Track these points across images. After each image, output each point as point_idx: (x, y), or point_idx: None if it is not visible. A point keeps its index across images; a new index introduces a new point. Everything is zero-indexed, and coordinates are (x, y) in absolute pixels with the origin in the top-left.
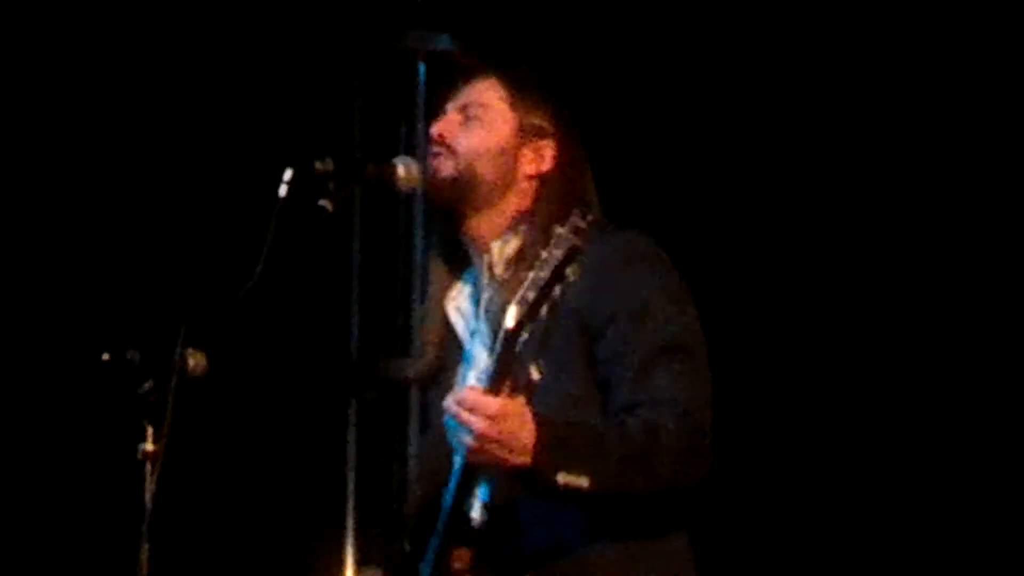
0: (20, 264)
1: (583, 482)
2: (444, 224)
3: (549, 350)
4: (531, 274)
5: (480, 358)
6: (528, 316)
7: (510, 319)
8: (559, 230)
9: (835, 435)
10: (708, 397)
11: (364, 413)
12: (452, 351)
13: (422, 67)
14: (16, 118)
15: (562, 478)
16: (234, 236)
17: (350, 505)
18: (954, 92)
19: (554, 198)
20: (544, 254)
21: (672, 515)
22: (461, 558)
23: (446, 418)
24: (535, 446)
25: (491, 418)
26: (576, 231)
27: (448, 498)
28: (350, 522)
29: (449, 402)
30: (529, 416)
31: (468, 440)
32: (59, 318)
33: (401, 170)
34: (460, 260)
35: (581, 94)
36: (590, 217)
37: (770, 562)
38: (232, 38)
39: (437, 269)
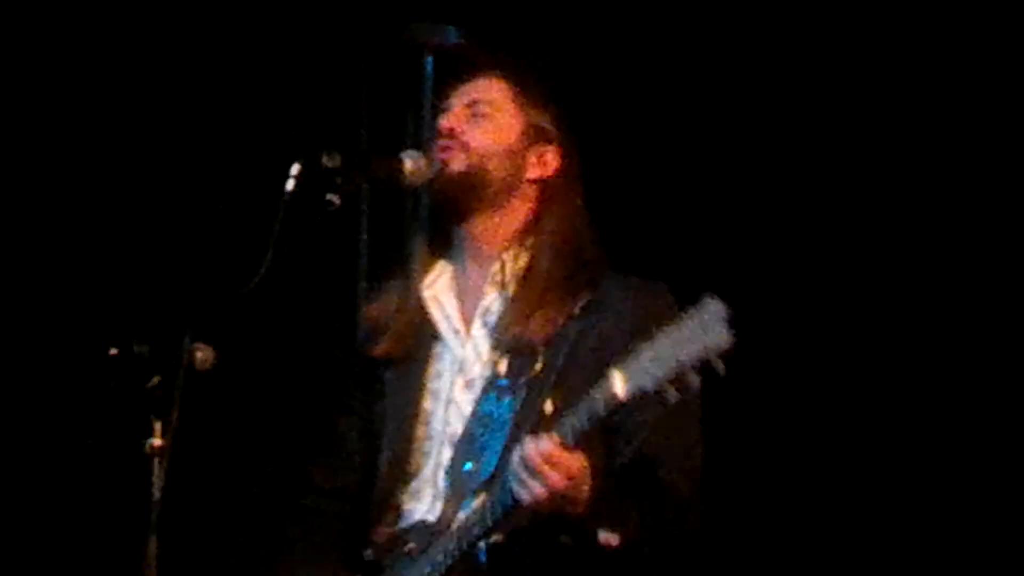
0: (27, 258)
1: (614, 540)
2: (431, 210)
3: (565, 387)
4: (649, 348)
5: (471, 367)
6: (645, 396)
7: (620, 389)
8: (705, 319)
9: (835, 438)
10: (701, 462)
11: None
12: (423, 338)
13: (429, 61)
14: (20, 111)
15: (601, 535)
16: (241, 230)
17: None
18: (954, 92)
19: (557, 208)
20: (673, 333)
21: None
22: None
23: (516, 461)
24: (589, 503)
25: (571, 477)
26: (725, 326)
27: (465, 528)
28: None
29: (531, 452)
30: (590, 473)
31: (540, 492)
32: (66, 312)
33: (408, 164)
34: (437, 245)
35: (582, 95)
36: (727, 313)
37: (768, 564)
38: (239, 32)
39: (416, 254)
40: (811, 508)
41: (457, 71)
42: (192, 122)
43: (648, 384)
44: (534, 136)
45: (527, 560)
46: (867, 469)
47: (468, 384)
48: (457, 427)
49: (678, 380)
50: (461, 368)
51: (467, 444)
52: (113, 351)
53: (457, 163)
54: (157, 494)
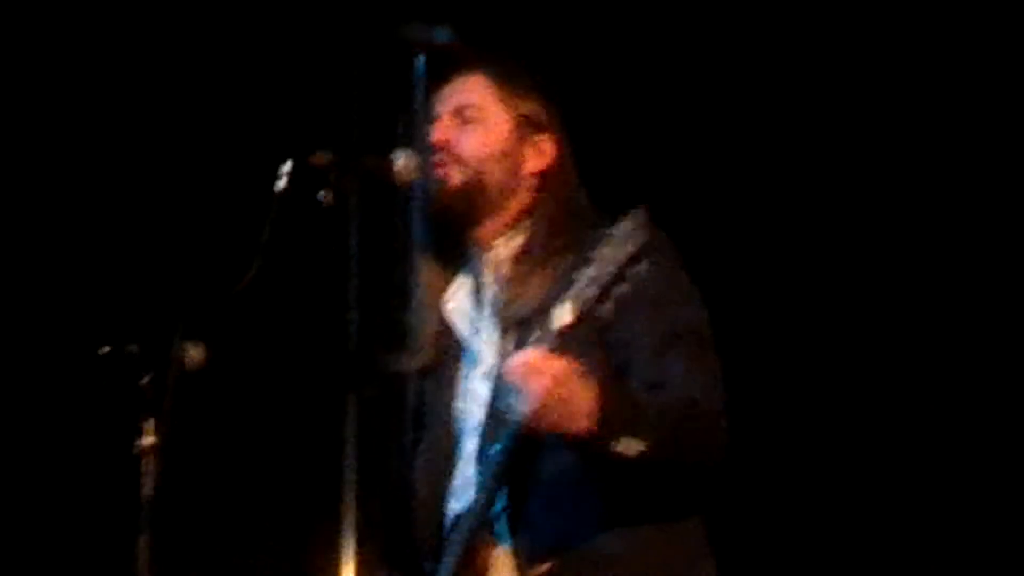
0: (19, 257)
1: (632, 450)
2: (437, 224)
3: (564, 343)
4: (587, 271)
5: (485, 356)
6: (589, 312)
7: (566, 315)
8: (625, 226)
9: (836, 434)
10: (719, 380)
11: (363, 407)
12: (450, 349)
13: (420, 59)
14: (16, 112)
15: (619, 444)
16: (232, 229)
17: (348, 500)
18: (954, 92)
19: (556, 193)
20: (603, 252)
21: (684, 503)
22: (488, 549)
23: (505, 383)
24: (598, 411)
25: (557, 380)
26: (643, 227)
27: (480, 486)
28: (348, 517)
29: (512, 363)
30: (590, 381)
31: (531, 402)
32: (58, 311)
33: (399, 163)
34: (453, 258)
35: (577, 85)
36: (644, 215)
37: (771, 560)
38: (230, 31)
39: (428, 268)
40: (810, 506)
41: (441, 72)
42: (183, 121)
43: (585, 307)
44: (526, 128)
45: (534, 511)
46: (866, 467)
47: (485, 373)
48: (478, 416)
49: (605, 295)
50: (476, 360)
51: (489, 428)
52: (104, 349)
53: (455, 177)
54: (148, 493)
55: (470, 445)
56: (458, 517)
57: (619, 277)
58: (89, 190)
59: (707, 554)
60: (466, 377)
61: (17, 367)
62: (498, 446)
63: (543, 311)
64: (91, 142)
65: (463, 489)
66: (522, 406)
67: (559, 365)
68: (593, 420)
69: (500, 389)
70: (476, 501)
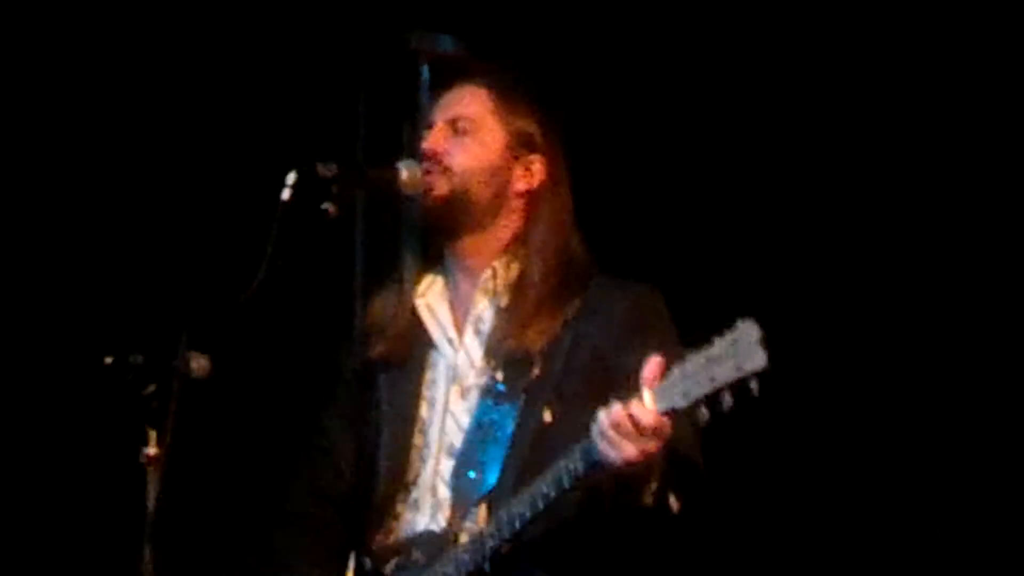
0: (22, 267)
1: (676, 505)
2: (421, 227)
3: (565, 394)
4: (680, 372)
5: (464, 375)
6: (681, 411)
7: (651, 404)
8: (736, 337)
9: (833, 439)
10: None
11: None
12: (418, 345)
13: (425, 70)
14: (18, 120)
15: (671, 498)
16: (237, 239)
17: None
18: (954, 92)
19: (546, 218)
20: (710, 352)
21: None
22: None
23: (605, 424)
24: (661, 467)
25: (662, 440)
26: (760, 347)
27: (495, 533)
28: None
29: (622, 417)
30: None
31: (632, 453)
32: (62, 321)
33: (404, 174)
34: (429, 257)
35: (574, 99)
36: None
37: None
38: (235, 42)
39: (410, 260)
40: (810, 508)
41: (444, 77)
42: (188, 131)
43: (680, 402)
44: (518, 147)
45: (532, 569)
46: (865, 469)
47: (464, 392)
48: (455, 437)
49: (711, 400)
50: (455, 376)
51: (468, 453)
52: (108, 360)
53: (440, 187)
54: (152, 503)
55: (442, 463)
56: (429, 535)
57: (729, 389)
58: (94, 200)
59: None
60: (436, 385)
61: (21, 377)
62: (473, 474)
63: (541, 359)
64: (96, 151)
65: (424, 502)
66: (624, 452)
67: (668, 428)
68: (656, 473)
69: (595, 434)
70: (483, 543)
